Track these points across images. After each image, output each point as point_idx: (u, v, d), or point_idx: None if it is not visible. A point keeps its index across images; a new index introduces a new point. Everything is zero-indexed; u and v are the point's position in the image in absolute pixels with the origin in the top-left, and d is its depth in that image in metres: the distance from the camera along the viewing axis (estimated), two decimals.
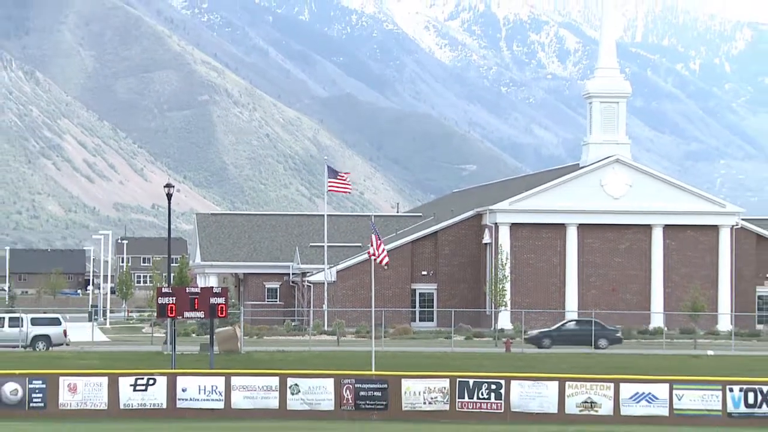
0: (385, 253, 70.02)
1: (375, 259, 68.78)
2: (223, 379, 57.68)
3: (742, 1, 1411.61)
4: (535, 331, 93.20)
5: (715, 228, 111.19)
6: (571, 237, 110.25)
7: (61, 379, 57.50)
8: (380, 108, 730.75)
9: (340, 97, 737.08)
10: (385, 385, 57.36)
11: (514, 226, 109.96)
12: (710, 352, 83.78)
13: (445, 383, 57.34)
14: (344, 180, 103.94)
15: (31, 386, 56.93)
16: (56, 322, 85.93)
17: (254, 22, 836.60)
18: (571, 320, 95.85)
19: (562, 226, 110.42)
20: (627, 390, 56.75)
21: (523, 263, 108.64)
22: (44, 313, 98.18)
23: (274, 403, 56.82)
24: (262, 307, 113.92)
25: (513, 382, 57.35)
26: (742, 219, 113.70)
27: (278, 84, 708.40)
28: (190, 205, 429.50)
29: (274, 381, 57.43)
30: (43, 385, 56.94)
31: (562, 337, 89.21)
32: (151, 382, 57.27)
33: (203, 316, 66.08)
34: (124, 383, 57.20)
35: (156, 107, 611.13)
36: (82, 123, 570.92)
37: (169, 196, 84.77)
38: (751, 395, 56.58)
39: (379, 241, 69.05)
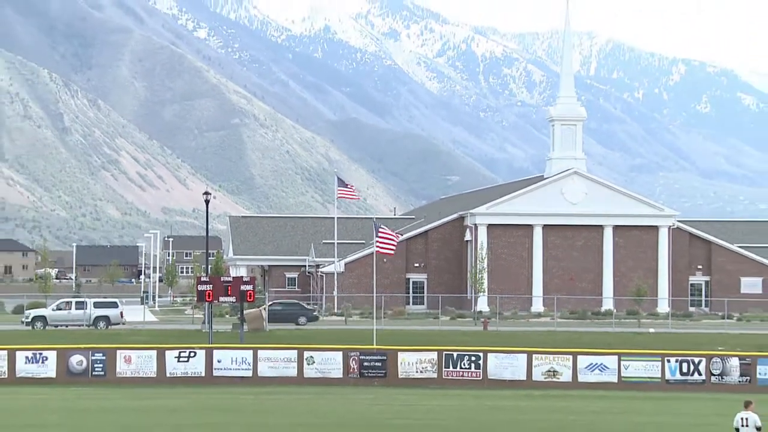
0: (396, 241, 70.59)
1: (386, 246, 69.03)
2: (251, 352, 57.66)
3: (677, 41, 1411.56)
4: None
5: (655, 228, 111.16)
6: (537, 236, 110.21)
7: (118, 352, 57.52)
8: (380, 129, 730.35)
9: (347, 120, 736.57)
10: (385, 357, 57.35)
11: (491, 227, 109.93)
12: (651, 330, 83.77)
13: (434, 355, 57.30)
14: (352, 190, 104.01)
15: (93, 358, 56.92)
16: (114, 305, 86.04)
17: (276, 59, 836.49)
18: (278, 302, 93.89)
19: (529, 227, 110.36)
20: (583, 361, 56.74)
21: (497, 257, 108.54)
22: (104, 298, 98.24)
23: (293, 372, 56.81)
24: (284, 293, 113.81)
25: (489, 355, 57.33)
26: (678, 221, 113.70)
27: (296, 110, 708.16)
28: (224, 209, 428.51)
29: (293, 354, 57.43)
30: (104, 357, 56.93)
31: (270, 315, 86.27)
32: (192, 354, 57.25)
33: (235, 300, 66.10)
34: (170, 356, 57.19)
35: (196, 129, 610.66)
36: (135, 142, 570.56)
37: (206, 201, 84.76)
38: (685, 365, 56.56)
39: (389, 234, 69.54)
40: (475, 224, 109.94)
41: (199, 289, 65.40)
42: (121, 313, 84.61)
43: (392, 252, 71.56)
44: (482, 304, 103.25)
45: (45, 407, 46.17)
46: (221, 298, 65.39)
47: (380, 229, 69.45)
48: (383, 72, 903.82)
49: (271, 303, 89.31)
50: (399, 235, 70.91)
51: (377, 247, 69.81)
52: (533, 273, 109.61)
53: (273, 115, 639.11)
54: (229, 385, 55.34)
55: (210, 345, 59.67)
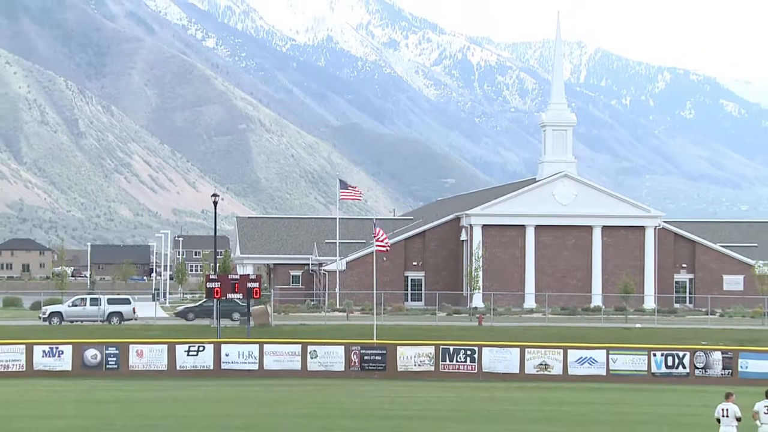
0: (388, 241, 70.73)
1: (378, 244, 69.27)
2: (257, 346, 57.68)
3: (662, 50, 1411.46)
4: (182, 307, 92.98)
5: (641, 228, 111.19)
6: (530, 235, 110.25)
7: (130, 346, 57.53)
8: (380, 134, 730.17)
9: (349, 126, 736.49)
10: (384, 351, 57.35)
11: (485, 227, 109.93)
12: (638, 325, 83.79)
13: (431, 349, 57.30)
14: (355, 190, 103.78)
15: (107, 352, 56.93)
16: (127, 301, 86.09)
17: (282, 67, 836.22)
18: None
19: (522, 227, 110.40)
20: (573, 355, 56.77)
21: (492, 256, 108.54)
22: (117, 294, 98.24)
23: (297, 365, 56.83)
24: (288, 290, 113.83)
25: (484, 349, 57.34)
26: (663, 221, 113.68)
27: (300, 116, 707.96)
28: (232, 210, 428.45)
29: (297, 348, 57.44)
30: (117, 351, 56.95)
31: (204, 311, 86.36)
32: (201, 348, 57.25)
33: (242, 297, 66.15)
34: (180, 350, 57.20)
35: (205, 134, 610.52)
36: (147, 146, 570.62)
37: (215, 203, 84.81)
38: (670, 358, 56.58)
39: (384, 235, 69.77)
40: (471, 225, 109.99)
41: (208, 286, 65.42)
42: (134, 309, 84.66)
43: (384, 250, 71.57)
44: (477, 301, 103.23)
45: (61, 399, 46.18)
46: (229, 295, 65.42)
47: (377, 230, 69.65)
48: (383, 80, 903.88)
49: (204, 300, 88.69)
50: (388, 238, 71.21)
51: (377, 246, 70.01)
52: (526, 271, 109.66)
53: (278, 120, 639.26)
54: (236, 378, 55.36)
55: (218, 339, 59.72)
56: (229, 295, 65.54)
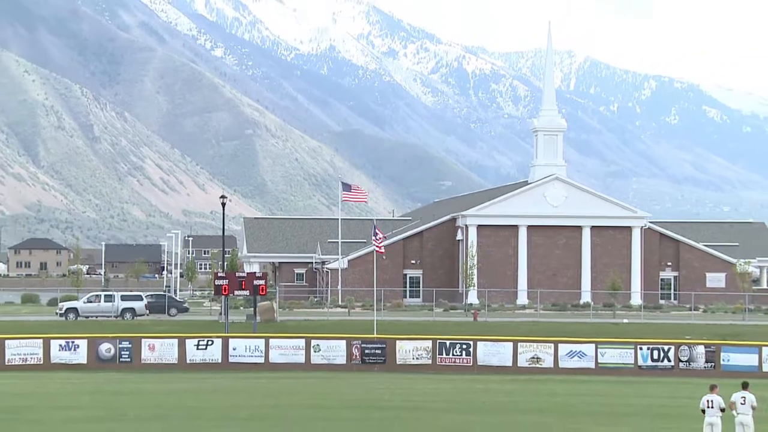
0: (384, 242, 70.90)
1: (377, 245, 69.34)
2: (263, 340, 57.61)
3: (648, 59, 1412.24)
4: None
5: (628, 229, 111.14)
6: (522, 235, 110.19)
7: (143, 340, 57.46)
8: (380, 139, 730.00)
9: (350, 131, 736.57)
10: (384, 345, 57.29)
11: (480, 227, 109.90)
12: (625, 320, 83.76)
13: (429, 344, 57.24)
14: (359, 191, 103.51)
15: (120, 346, 56.87)
16: (139, 298, 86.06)
17: (286, 76, 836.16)
18: (151, 294, 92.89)
19: (515, 227, 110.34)
20: (564, 349, 56.70)
21: (486, 254, 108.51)
22: (130, 291, 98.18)
23: (301, 358, 56.75)
24: (293, 287, 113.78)
25: (479, 343, 57.29)
26: (649, 222, 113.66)
27: (304, 121, 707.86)
28: (239, 212, 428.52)
29: (301, 342, 57.37)
30: (130, 345, 56.88)
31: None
32: (210, 342, 57.19)
33: (248, 293, 66.09)
34: (190, 344, 57.13)
35: (213, 138, 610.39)
36: (159, 150, 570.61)
37: (223, 204, 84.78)
38: (655, 352, 56.52)
39: (382, 235, 69.79)
40: (466, 225, 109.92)
41: (216, 283, 65.36)
42: (146, 305, 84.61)
43: (380, 251, 71.62)
44: (472, 297, 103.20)
45: (77, 390, 46.16)
46: (236, 292, 65.37)
47: (376, 231, 69.81)
48: (383, 87, 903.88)
49: (146, 295, 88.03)
50: (385, 237, 71.48)
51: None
52: (518, 269, 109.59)
53: (283, 126, 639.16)
54: (243, 371, 55.30)
55: (226, 334, 59.64)
56: (237, 292, 65.42)
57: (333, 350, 57.00)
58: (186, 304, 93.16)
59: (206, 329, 65.49)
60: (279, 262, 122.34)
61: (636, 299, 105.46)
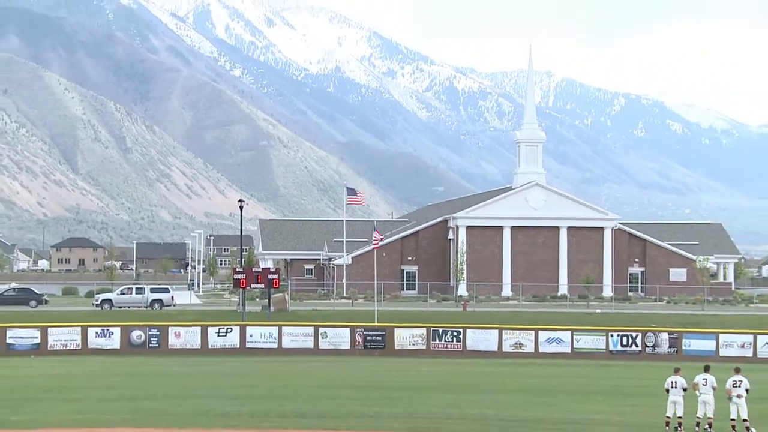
0: (383, 242, 71.12)
1: (376, 244, 69.62)
2: (276, 328, 57.65)
3: (618, 79, 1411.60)
4: None
5: (601, 229, 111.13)
6: (506, 235, 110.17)
7: (170, 328, 57.49)
8: (380, 150, 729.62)
9: (354, 142, 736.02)
10: (384, 332, 57.32)
11: (469, 228, 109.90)
12: (598, 310, 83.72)
13: (423, 331, 57.27)
14: (359, 196, 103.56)
15: (150, 333, 56.90)
16: (166, 290, 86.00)
17: (297, 93, 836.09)
18: (12, 288, 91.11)
19: (500, 228, 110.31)
20: (543, 335, 56.74)
21: (474, 252, 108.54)
22: (159, 284, 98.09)
23: (310, 344, 56.77)
24: (302, 281, 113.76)
25: (468, 330, 57.33)
26: (619, 223, 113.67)
27: (313, 134, 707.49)
28: (255, 214, 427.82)
29: (310, 330, 57.39)
30: (158, 332, 56.92)
31: (4, 299, 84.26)
32: (229, 330, 57.21)
33: (263, 286, 66.13)
34: (212, 331, 57.17)
35: (232, 149, 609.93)
36: (184, 159, 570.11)
37: (241, 207, 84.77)
38: (625, 339, 56.56)
39: (381, 236, 69.96)
40: (457, 226, 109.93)
41: (235, 277, 65.45)
42: (172, 297, 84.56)
43: (377, 247, 72.15)
44: (462, 290, 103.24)
45: (111, 372, 46.17)
46: (252, 285, 65.39)
47: (375, 231, 70.29)
48: (382, 103, 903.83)
49: (6, 289, 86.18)
50: (383, 237, 72.14)
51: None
52: (503, 265, 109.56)
53: (294, 138, 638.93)
54: (258, 355, 55.32)
55: (243, 323, 59.68)
56: (253, 285, 65.39)
57: (338, 337, 57.03)
58: (45, 297, 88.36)
59: (226, 318, 65.56)
60: (290, 259, 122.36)
61: (607, 291, 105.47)
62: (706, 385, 28.92)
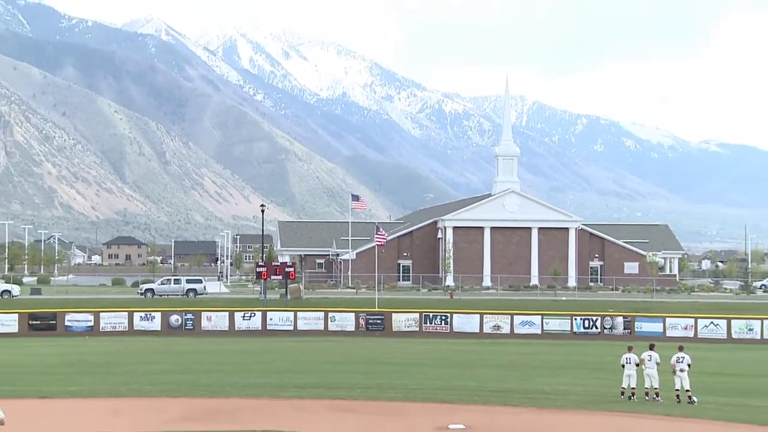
0: (385, 238, 71.13)
1: (378, 241, 69.52)
2: (293, 313, 57.67)
3: (581, 102, 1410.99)
4: None
5: (566, 229, 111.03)
6: (487, 234, 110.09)
7: (202, 313, 57.50)
8: (380, 163, 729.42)
9: (358, 156, 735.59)
10: (383, 317, 57.34)
11: (455, 228, 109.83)
12: (564, 298, 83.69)
13: (417, 315, 57.30)
14: (362, 202, 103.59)
15: (186, 317, 56.91)
16: (200, 281, 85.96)
17: (310, 115, 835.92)
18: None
19: (481, 228, 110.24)
20: (518, 319, 56.76)
21: (459, 249, 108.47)
22: (193, 276, 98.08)
23: (321, 326, 56.81)
24: (315, 273, 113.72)
25: (455, 315, 57.34)
26: (582, 224, 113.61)
27: (323, 149, 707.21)
28: (274, 216, 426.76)
29: (321, 314, 57.42)
30: (193, 317, 56.92)
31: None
32: (253, 315, 57.22)
33: (281, 278, 66.07)
34: (238, 315, 57.18)
35: (255, 162, 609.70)
36: (214, 171, 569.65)
37: (262, 211, 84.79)
38: (586, 322, 56.57)
39: (382, 233, 69.93)
40: (445, 226, 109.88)
41: (257, 270, 65.39)
42: (205, 287, 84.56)
43: (381, 244, 71.97)
44: (449, 281, 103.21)
45: (153, 350, 46.18)
46: (272, 277, 65.35)
47: (378, 231, 70.16)
48: (382, 123, 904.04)
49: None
50: (386, 235, 71.98)
51: (376, 242, 70.27)
52: (484, 260, 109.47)
53: (307, 153, 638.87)
54: (277, 336, 55.34)
55: (265, 308, 59.69)
56: (273, 277, 65.32)
57: (345, 320, 57.07)
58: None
59: (250, 305, 65.57)
60: (304, 254, 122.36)
61: (572, 282, 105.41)
62: (650, 360, 28.91)
